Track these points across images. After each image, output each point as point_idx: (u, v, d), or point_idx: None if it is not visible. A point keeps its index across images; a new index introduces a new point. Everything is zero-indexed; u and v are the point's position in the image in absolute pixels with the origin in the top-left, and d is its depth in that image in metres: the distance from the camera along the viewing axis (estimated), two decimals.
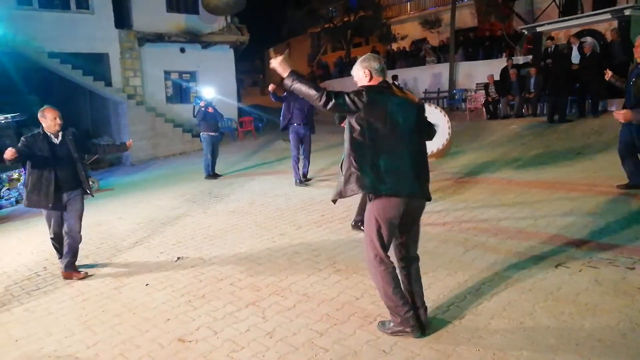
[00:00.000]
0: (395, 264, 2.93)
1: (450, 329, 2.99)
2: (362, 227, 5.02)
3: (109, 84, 14.11)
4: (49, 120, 4.36)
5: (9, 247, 5.94)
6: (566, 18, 12.88)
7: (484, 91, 13.08)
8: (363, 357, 2.78)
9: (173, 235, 5.66)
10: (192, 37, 15.71)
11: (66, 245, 4.50)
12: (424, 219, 5.39)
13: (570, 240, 4.26)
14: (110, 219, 6.76)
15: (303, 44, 33.88)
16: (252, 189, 7.98)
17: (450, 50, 15.93)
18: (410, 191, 2.81)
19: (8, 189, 8.82)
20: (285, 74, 2.78)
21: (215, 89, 10.46)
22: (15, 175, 8.93)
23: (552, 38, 12.47)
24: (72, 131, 4.62)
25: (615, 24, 11.45)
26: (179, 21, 15.60)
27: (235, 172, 9.90)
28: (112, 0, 14.28)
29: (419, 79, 17.23)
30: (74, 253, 4.52)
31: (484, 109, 12.81)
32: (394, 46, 23.06)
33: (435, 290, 3.54)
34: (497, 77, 12.72)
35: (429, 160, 3.49)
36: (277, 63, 2.80)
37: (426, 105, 4.31)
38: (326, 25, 25.27)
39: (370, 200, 2.86)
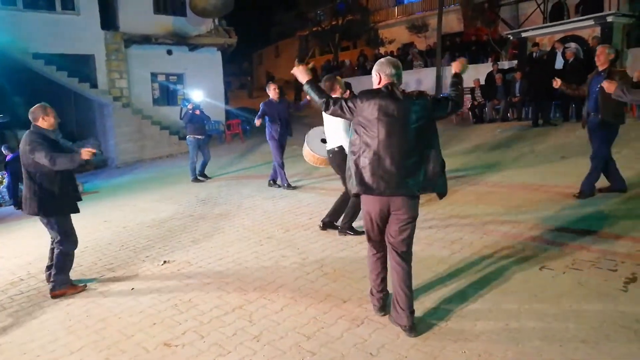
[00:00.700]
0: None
1: (437, 330, 3.01)
2: (335, 226, 5.17)
3: (94, 85, 13.97)
4: (52, 119, 4.11)
5: None
6: (550, 24, 13.09)
7: (470, 95, 13.22)
8: None
9: (159, 238, 5.61)
10: (180, 39, 15.63)
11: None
12: None
13: (554, 243, 4.32)
14: (95, 222, 6.68)
15: (291, 47, 33.89)
16: (239, 192, 7.95)
17: (437, 54, 16.07)
18: (397, 190, 2.93)
19: None
20: (303, 81, 3.29)
21: (203, 92, 10.42)
22: None
23: (537, 44, 12.67)
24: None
25: (598, 30, 11.68)
26: (166, 23, 15.51)
27: (223, 175, 9.85)
28: (98, 1, 14.15)
29: (407, 82, 17.31)
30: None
31: (470, 113, 12.94)
32: (382, 50, 23.20)
33: (422, 292, 3.56)
34: (483, 82, 12.86)
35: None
36: (298, 71, 3.33)
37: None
38: (314, 29, 25.33)
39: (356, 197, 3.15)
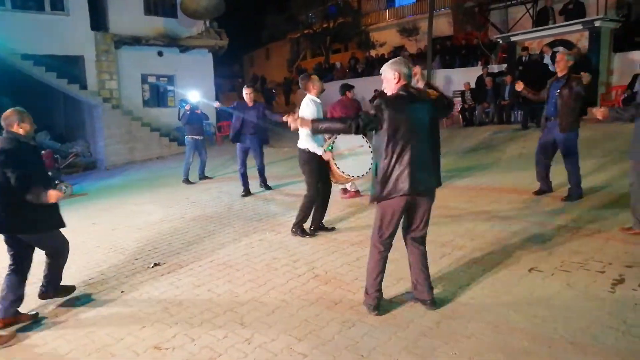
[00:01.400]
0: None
1: (428, 332, 3.02)
2: (325, 228, 5.24)
3: (84, 86, 13.86)
4: (28, 125, 3.68)
5: None
6: (539, 28, 13.21)
7: (460, 98, 13.31)
8: None
9: (149, 241, 5.57)
10: (170, 41, 15.56)
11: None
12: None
13: (543, 245, 4.37)
14: (83, 224, 6.61)
15: (282, 49, 33.89)
16: (230, 194, 7.92)
17: (428, 57, 16.16)
18: (419, 190, 3.12)
19: None
20: (309, 127, 3.27)
21: (199, 92, 10.42)
22: None
23: (526, 48, 12.80)
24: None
25: (586, 34, 11.81)
26: (157, 24, 15.43)
27: (214, 176, 9.81)
28: (88, 2, 14.05)
29: None
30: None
31: (460, 116, 13.03)
32: (373, 53, 23.29)
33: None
34: (473, 85, 12.97)
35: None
36: (295, 124, 3.28)
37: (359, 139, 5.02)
38: (305, 31, 25.35)
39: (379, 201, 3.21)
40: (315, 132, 3.30)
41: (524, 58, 12.39)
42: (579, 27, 11.92)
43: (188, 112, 9.18)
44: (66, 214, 3.87)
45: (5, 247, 3.66)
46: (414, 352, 2.81)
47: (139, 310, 3.70)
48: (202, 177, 9.53)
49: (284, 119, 3.36)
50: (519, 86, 5.80)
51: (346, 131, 3.19)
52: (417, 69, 3.38)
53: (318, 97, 5.05)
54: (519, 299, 3.38)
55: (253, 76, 34.70)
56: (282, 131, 8.00)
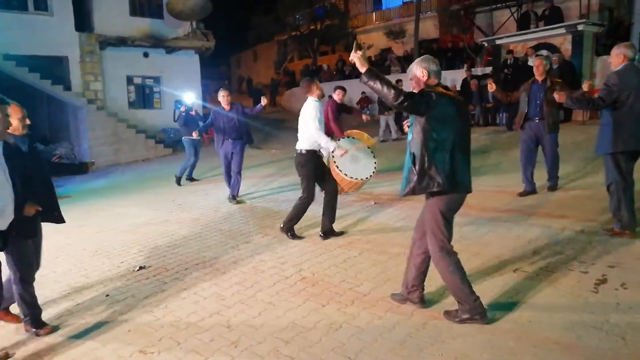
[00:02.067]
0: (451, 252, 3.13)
1: (414, 333, 3.03)
2: (335, 233, 5.17)
3: (68, 88, 13.69)
4: (14, 120, 3.22)
5: None
6: (523, 32, 13.39)
7: None
8: None
9: (135, 243, 5.51)
10: (156, 42, 15.46)
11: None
12: (390, 225, 5.45)
13: (528, 246, 4.41)
14: (68, 227, 6.50)
15: (270, 51, 33.88)
16: (217, 196, 7.88)
17: (414, 60, 16.28)
18: (468, 186, 3.08)
19: None
20: (363, 69, 2.92)
21: (193, 94, 10.37)
22: None
23: (511, 51, 12.96)
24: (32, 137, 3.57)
25: (569, 38, 12.01)
26: (142, 25, 15.32)
27: (200, 178, 9.75)
28: (73, 2, 13.90)
29: None
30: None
31: None
32: None
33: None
34: (458, 87, 13.09)
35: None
36: (357, 57, 2.92)
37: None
38: (293, 33, 25.39)
39: (433, 196, 3.07)
40: (367, 77, 2.90)
41: (509, 61, 12.55)
42: (562, 31, 12.12)
43: (183, 114, 9.20)
44: None
45: None
46: (400, 354, 2.82)
47: (124, 314, 3.65)
48: (190, 178, 9.49)
49: (351, 57, 2.95)
50: (491, 87, 5.98)
51: (390, 97, 2.87)
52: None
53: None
54: (504, 299, 3.41)
55: (238, 78, 34.61)
56: (271, 131, 7.97)
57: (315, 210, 5.40)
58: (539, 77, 5.91)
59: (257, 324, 3.31)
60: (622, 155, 4.37)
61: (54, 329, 3.44)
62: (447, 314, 3.20)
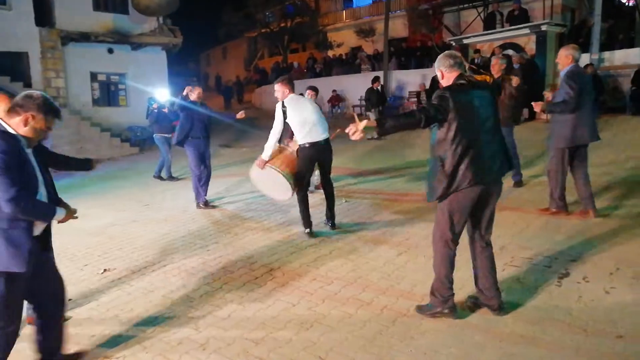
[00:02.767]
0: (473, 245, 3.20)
1: (384, 331, 3.05)
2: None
3: (28, 85, 13.20)
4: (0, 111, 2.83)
5: None
6: (490, 32, 13.69)
7: (416, 99, 13.58)
8: None
9: (99, 245, 5.34)
10: (121, 38, 15.07)
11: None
12: (360, 223, 5.46)
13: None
14: None
15: (239, 48, 33.55)
16: (185, 196, 7.73)
17: (384, 58, 16.41)
18: (490, 179, 3.01)
19: None
20: (376, 130, 2.93)
21: (167, 91, 10.22)
22: None
23: (478, 50, 13.22)
24: None
25: (533, 38, 12.34)
26: (106, 20, 14.90)
27: (183, 176, 9.55)
28: None
29: (355, 85, 17.58)
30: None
31: None
32: (331, 53, 23.41)
33: (370, 292, 3.60)
34: (428, 86, 13.26)
35: None
36: (359, 132, 2.88)
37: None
38: (263, 30, 25.19)
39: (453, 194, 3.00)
40: (383, 133, 2.96)
41: (476, 60, 12.79)
42: (527, 31, 12.45)
43: (155, 111, 9.13)
44: None
45: None
46: (370, 351, 2.83)
47: (88, 318, 3.54)
48: (158, 176, 9.35)
49: (349, 130, 2.90)
50: None
51: (416, 126, 2.90)
52: None
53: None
54: (472, 294, 3.46)
55: (203, 75, 34.10)
56: (241, 129, 7.86)
57: (289, 207, 5.37)
58: (495, 75, 6.28)
59: (226, 326, 3.26)
60: (569, 149, 4.92)
61: None
62: (419, 308, 3.23)
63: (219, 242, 5.12)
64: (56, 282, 2.84)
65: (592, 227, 4.69)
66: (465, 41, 14.13)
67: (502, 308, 3.14)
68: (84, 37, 14.31)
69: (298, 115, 4.88)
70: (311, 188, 6.76)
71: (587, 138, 4.89)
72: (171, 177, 9.32)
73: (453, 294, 3.12)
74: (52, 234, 3.02)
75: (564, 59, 4.86)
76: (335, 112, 17.40)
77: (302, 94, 7.47)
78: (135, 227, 6.05)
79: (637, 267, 3.73)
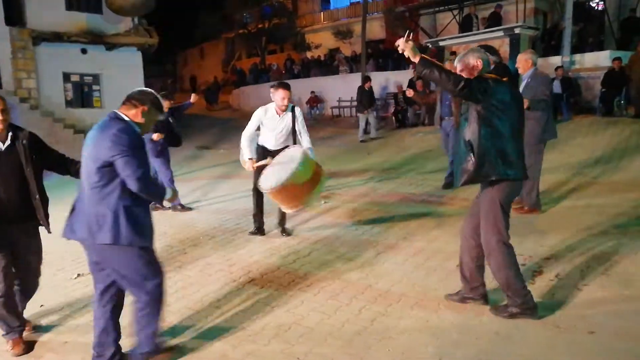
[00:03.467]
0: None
1: (362, 331, 3.06)
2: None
3: None
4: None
5: None
6: (465, 34, 13.91)
7: (393, 101, 13.70)
8: None
9: (72, 250, 5.19)
10: (95, 38, 14.75)
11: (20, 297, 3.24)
12: (339, 224, 5.47)
13: None
14: None
15: (217, 49, 33.25)
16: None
17: (362, 60, 16.50)
18: (525, 172, 3.06)
19: None
20: (416, 59, 2.92)
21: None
22: None
23: (454, 52, 13.39)
24: (27, 133, 3.27)
25: (507, 41, 12.59)
26: (79, 20, 14.57)
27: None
28: None
29: (333, 87, 17.63)
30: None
31: (393, 118, 13.41)
32: (309, 54, 23.43)
33: (348, 293, 3.61)
34: (405, 88, 13.39)
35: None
36: (408, 48, 2.93)
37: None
38: (240, 31, 25.05)
39: (491, 185, 3.00)
40: (422, 65, 2.92)
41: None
42: (501, 34, 12.69)
43: None
44: None
45: None
46: (348, 352, 2.83)
47: (60, 324, 3.45)
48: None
49: (400, 46, 2.97)
50: (409, 93, 6.87)
51: (451, 86, 2.88)
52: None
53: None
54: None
55: (171, 81, 33.50)
56: (219, 131, 7.78)
57: (270, 208, 5.33)
58: None
59: (203, 330, 3.22)
60: (544, 145, 5.24)
61: None
62: (496, 309, 3.14)
63: (197, 245, 5.06)
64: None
65: (566, 225, 4.80)
66: (441, 43, 14.32)
67: (486, 299, 3.25)
68: (57, 37, 13.97)
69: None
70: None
71: (552, 135, 5.26)
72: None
73: (529, 292, 3.05)
74: None
75: (524, 63, 5.16)
76: (314, 114, 17.41)
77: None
78: None
79: (608, 264, 3.84)
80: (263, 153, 4.90)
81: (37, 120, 13.03)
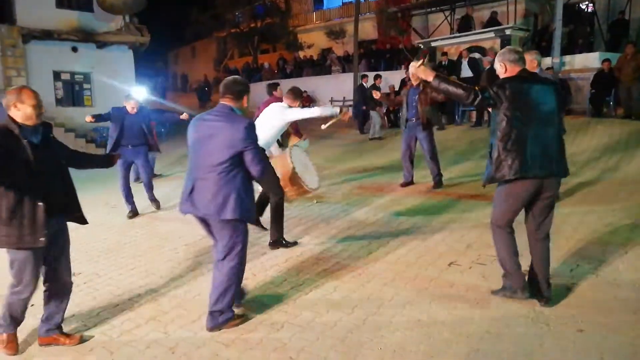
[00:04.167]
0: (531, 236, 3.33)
1: (355, 330, 3.07)
2: (284, 243, 4.68)
3: None
4: (28, 107, 2.82)
5: None
6: (457, 35, 14.00)
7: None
8: None
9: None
10: (86, 36, 14.64)
11: (56, 299, 3.21)
12: (332, 219, 5.48)
13: (461, 239, 4.61)
14: None
15: (209, 48, 33.12)
16: (157, 198, 7.57)
17: (355, 60, 16.54)
18: (549, 172, 3.08)
19: None
20: (430, 78, 3.09)
21: (144, 90, 9.85)
22: None
23: (445, 53, 13.48)
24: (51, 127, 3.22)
25: (498, 41, 12.69)
26: (70, 18, 14.47)
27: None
28: None
29: (326, 87, 17.66)
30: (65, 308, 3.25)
31: (385, 118, 13.45)
32: (301, 54, 23.41)
33: (341, 293, 3.62)
34: (397, 88, 13.44)
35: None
36: (421, 70, 3.10)
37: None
38: (232, 30, 24.97)
39: (506, 183, 3.12)
40: (435, 86, 3.09)
41: (443, 62, 13.04)
42: (492, 35, 12.79)
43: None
44: None
45: None
46: (341, 351, 2.85)
47: None
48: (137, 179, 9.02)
49: (414, 70, 3.14)
50: (376, 95, 6.99)
51: (464, 99, 3.06)
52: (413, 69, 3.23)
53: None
54: (440, 291, 3.54)
55: (172, 75, 33.23)
56: None
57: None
58: (414, 82, 6.58)
59: (196, 329, 3.22)
60: None
61: None
62: (495, 292, 3.40)
63: (189, 245, 5.05)
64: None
65: (555, 225, 4.83)
66: (433, 44, 14.40)
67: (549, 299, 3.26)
68: (47, 35, 13.85)
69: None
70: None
71: None
72: (154, 175, 8.95)
73: (521, 270, 3.28)
74: None
75: (529, 63, 4.92)
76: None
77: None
78: (101, 230, 5.90)
79: (597, 263, 3.89)
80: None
81: None
